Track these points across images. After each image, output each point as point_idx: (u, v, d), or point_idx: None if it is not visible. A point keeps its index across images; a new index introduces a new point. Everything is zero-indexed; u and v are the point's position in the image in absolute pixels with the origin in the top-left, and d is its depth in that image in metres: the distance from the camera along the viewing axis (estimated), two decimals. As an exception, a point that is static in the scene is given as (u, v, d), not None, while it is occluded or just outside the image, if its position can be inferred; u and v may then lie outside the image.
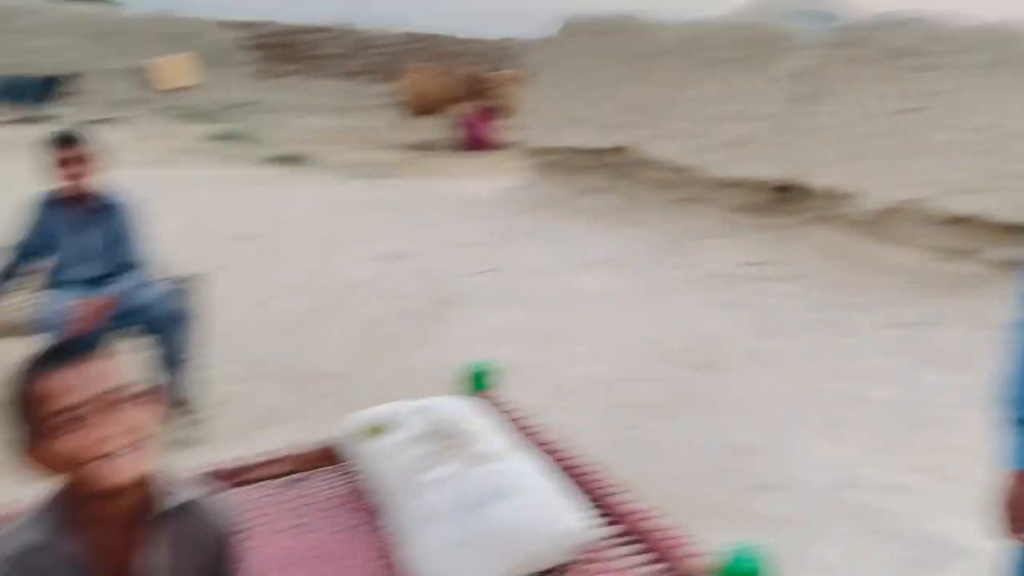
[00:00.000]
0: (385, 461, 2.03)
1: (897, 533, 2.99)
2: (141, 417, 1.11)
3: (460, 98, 16.45)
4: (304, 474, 2.23)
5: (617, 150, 8.93)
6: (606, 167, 9.12)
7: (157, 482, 1.18)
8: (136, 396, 1.12)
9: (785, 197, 7.29)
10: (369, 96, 21.38)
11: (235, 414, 3.86)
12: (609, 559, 1.79)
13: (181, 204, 8.60)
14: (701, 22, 8.19)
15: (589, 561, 1.78)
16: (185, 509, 1.21)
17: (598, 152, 9.15)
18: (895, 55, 6.33)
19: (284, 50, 21.54)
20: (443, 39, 23.51)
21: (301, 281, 6.16)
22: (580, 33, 9.30)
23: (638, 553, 1.80)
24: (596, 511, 1.91)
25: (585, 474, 2.04)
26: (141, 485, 1.14)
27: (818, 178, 6.81)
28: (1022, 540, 1.62)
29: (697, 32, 8.12)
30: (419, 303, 5.75)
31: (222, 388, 3.99)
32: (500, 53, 22.79)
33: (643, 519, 1.86)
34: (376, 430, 2.16)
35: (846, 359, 4.76)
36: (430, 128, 16.44)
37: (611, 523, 1.89)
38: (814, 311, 5.58)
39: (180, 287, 3.82)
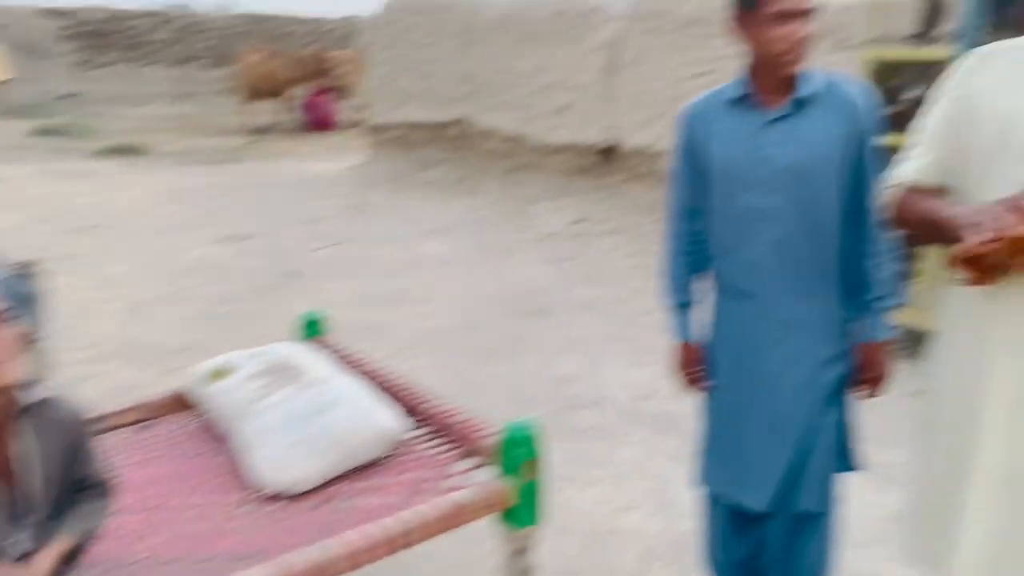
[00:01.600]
0: (226, 396, 2.35)
1: (683, 432, 3.57)
2: (9, 335, 1.41)
3: (300, 79, 16.32)
4: (156, 420, 2.52)
5: (453, 123, 9.34)
6: (444, 140, 9.52)
7: (22, 385, 1.49)
8: (4, 318, 1.42)
9: (607, 159, 7.91)
10: (204, 82, 20.78)
11: (88, 391, 4.01)
12: (418, 449, 2.21)
13: (16, 200, 8.34)
14: (521, -1, 8.67)
15: (403, 453, 2.19)
16: (45, 403, 1.52)
17: (436, 126, 9.53)
18: (689, 24, 7.03)
19: (107, 37, 20.54)
20: (282, 19, 23.02)
21: (146, 267, 6.23)
22: (408, 12, 9.61)
23: (442, 444, 2.23)
24: (409, 415, 2.32)
25: (401, 388, 2.44)
26: (11, 388, 1.45)
27: (631, 139, 7.46)
28: (701, 389, 2.17)
29: (518, 8, 8.59)
30: (265, 279, 5.97)
31: (72, 370, 4.12)
32: (341, 32, 22.62)
33: (447, 417, 2.28)
34: (218, 374, 2.47)
35: (655, 299, 5.38)
36: (271, 111, 16.26)
37: (421, 422, 2.30)
38: (630, 259, 6.21)
39: (22, 272, 3.91)
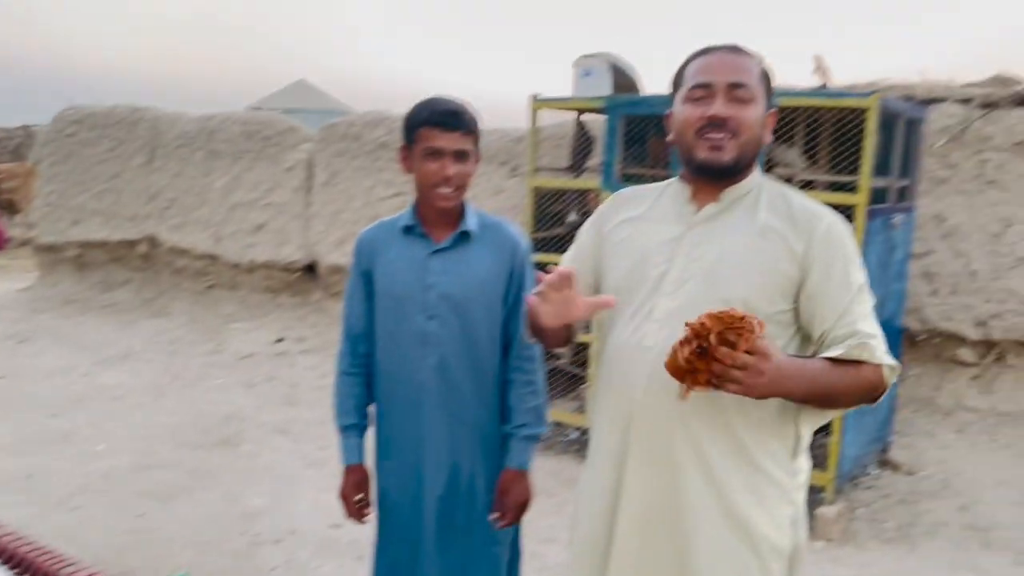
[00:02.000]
0: None
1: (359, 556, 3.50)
2: None
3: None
4: None
5: (140, 242, 8.78)
6: (129, 260, 8.89)
7: None
8: None
9: (305, 277, 7.85)
10: None
11: None
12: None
13: None
14: (214, 115, 8.51)
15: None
16: None
17: (119, 245, 8.89)
18: (380, 147, 7.32)
19: None
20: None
21: None
22: (85, 125, 9.02)
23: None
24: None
25: (32, 558, 2.14)
26: None
27: (329, 257, 7.49)
28: (360, 518, 2.17)
29: (208, 125, 8.41)
30: None
31: None
32: (16, 142, 20.54)
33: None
34: None
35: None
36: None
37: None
38: (329, 378, 6.09)
39: None
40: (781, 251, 1.52)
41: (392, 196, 7.21)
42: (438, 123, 1.93)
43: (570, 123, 5.42)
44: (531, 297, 1.53)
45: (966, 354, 5.27)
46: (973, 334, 5.20)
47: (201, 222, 8.39)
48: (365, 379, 2.15)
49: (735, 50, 1.59)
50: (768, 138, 1.61)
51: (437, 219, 2.03)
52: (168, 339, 7.37)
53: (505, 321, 2.07)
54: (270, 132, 8.07)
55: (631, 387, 1.56)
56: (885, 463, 4.52)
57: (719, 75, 1.53)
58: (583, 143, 4.91)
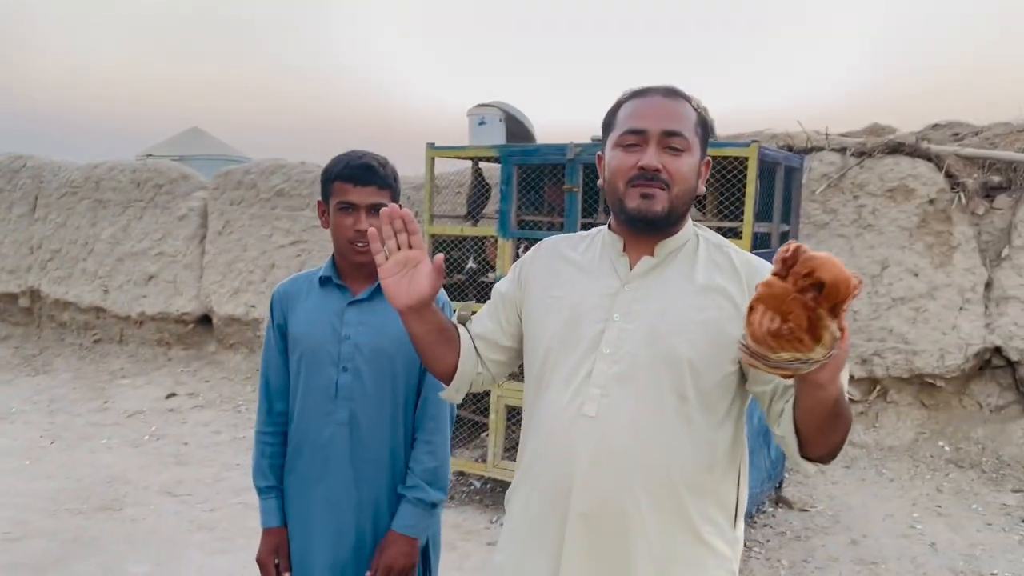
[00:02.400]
0: None
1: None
2: None
3: None
4: None
5: (21, 295, 8.31)
6: (8, 315, 8.40)
7: None
8: None
9: (199, 328, 7.58)
10: None
11: None
12: None
13: None
14: (101, 163, 8.21)
15: None
16: None
17: (0, 298, 8.41)
18: (277, 195, 7.19)
19: None
20: None
21: None
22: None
23: None
24: None
25: None
26: None
27: (224, 308, 7.26)
28: None
29: (94, 174, 8.11)
30: None
31: None
32: None
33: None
34: None
35: (246, 476, 5.12)
36: None
37: None
38: (223, 434, 5.89)
39: None
40: (726, 310, 1.43)
41: (290, 244, 7.07)
42: (351, 177, 1.90)
43: (469, 171, 5.46)
44: (374, 251, 1.48)
45: (851, 392, 5.48)
46: (857, 372, 5.42)
47: (87, 274, 8.03)
48: (283, 438, 2.06)
49: (671, 93, 1.50)
50: (702, 189, 1.53)
51: (355, 272, 1.99)
52: (49, 397, 6.96)
53: (420, 376, 2.01)
54: (161, 180, 7.83)
55: (569, 461, 1.43)
56: (779, 500, 4.62)
57: (653, 122, 1.44)
58: (480, 191, 4.93)
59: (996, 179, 5.38)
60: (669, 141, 1.44)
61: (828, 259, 1.06)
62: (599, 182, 1.56)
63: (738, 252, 1.53)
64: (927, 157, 5.44)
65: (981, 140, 5.76)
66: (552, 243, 1.65)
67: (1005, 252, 5.28)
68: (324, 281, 2.01)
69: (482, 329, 1.66)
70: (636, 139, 1.45)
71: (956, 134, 6.10)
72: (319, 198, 2.01)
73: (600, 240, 1.59)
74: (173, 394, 6.85)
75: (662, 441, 1.41)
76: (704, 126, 1.51)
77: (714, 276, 1.47)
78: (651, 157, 1.43)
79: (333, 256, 2.03)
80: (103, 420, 6.37)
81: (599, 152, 1.57)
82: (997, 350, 5.30)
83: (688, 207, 1.50)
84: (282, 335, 2.04)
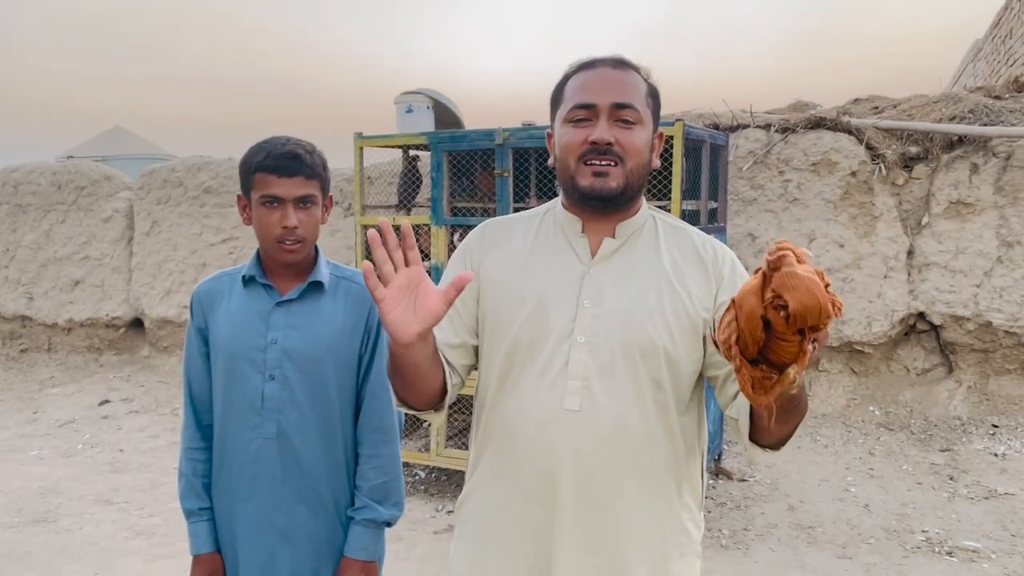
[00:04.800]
0: None
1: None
2: None
3: None
4: None
5: (-62, 307, 7.99)
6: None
7: None
8: None
9: (130, 332, 7.39)
10: None
11: None
12: None
13: None
14: (19, 167, 7.91)
15: None
16: None
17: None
18: (205, 192, 7.04)
19: None
20: None
21: None
22: None
23: None
24: None
25: None
26: None
27: (156, 310, 7.09)
28: None
29: (15, 178, 7.82)
30: None
31: None
32: None
33: None
34: None
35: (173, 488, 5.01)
36: None
37: None
38: (159, 439, 5.75)
39: None
40: (693, 295, 1.39)
41: (221, 242, 6.92)
42: (275, 168, 1.70)
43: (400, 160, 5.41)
44: (372, 287, 1.20)
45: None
46: (790, 343, 5.55)
47: (10, 281, 7.75)
48: (210, 454, 1.87)
49: (619, 64, 1.42)
50: (656, 163, 1.46)
51: (283, 270, 1.80)
52: (-25, 411, 6.71)
53: (359, 384, 1.84)
54: (83, 182, 7.58)
55: (552, 455, 1.37)
56: (719, 472, 4.72)
57: (602, 95, 1.37)
58: (411, 179, 4.90)
59: (914, 150, 5.55)
60: (620, 114, 1.37)
61: (803, 282, 0.93)
62: (549, 161, 1.49)
63: (699, 235, 1.49)
64: (848, 131, 5.58)
65: (899, 112, 5.94)
66: (497, 225, 1.55)
67: (925, 220, 5.46)
68: (248, 280, 1.82)
69: (448, 335, 1.49)
70: (585, 113, 1.38)
71: (876, 107, 6.27)
72: (239, 192, 1.83)
73: (552, 220, 1.50)
74: (106, 401, 6.67)
75: (646, 432, 1.38)
76: (655, 97, 1.45)
77: (678, 261, 1.43)
78: (602, 131, 1.36)
79: (258, 252, 1.84)
80: (33, 431, 6.17)
81: (548, 130, 1.50)
82: (921, 315, 5.49)
83: (643, 183, 1.44)
84: (204, 339, 1.86)
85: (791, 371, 1.00)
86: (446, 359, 1.46)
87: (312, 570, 1.81)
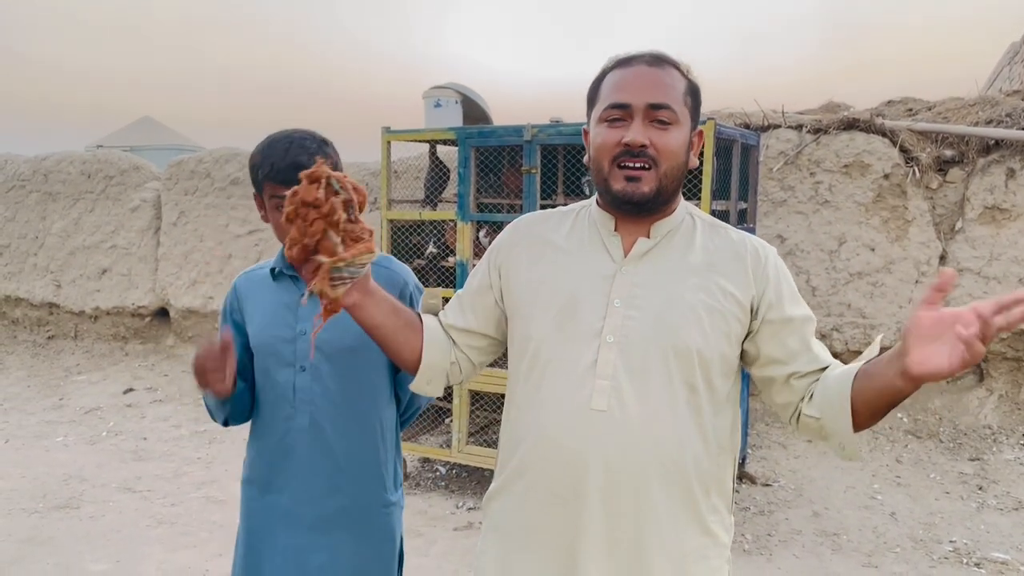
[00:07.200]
0: None
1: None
2: None
3: None
4: None
5: (-31, 292, 8.09)
6: (-43, 312, 8.17)
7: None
8: None
9: (156, 322, 7.44)
10: None
11: None
12: None
13: None
14: (49, 155, 7.99)
15: None
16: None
17: (-54, 297, 8.17)
18: (232, 183, 7.06)
19: None
20: None
21: None
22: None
23: None
24: None
25: None
26: None
27: (181, 300, 7.13)
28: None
29: (46, 166, 7.89)
30: None
31: None
32: None
33: None
34: None
35: (205, 471, 5.03)
36: None
37: None
38: (182, 428, 5.78)
39: None
40: (731, 293, 1.37)
41: (247, 234, 6.95)
42: (282, 181, 1.68)
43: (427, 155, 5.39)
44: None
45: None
46: (817, 347, 5.47)
47: (39, 269, 7.83)
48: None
49: (657, 61, 1.38)
50: (694, 162, 1.43)
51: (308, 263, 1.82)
52: (2, 396, 6.79)
53: (391, 375, 1.85)
54: (112, 171, 7.64)
55: (579, 455, 1.35)
56: (742, 476, 4.66)
57: (637, 94, 1.34)
58: (438, 175, 4.87)
59: (949, 153, 5.45)
60: (655, 114, 1.34)
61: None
62: (585, 159, 1.46)
63: (737, 233, 1.46)
64: (882, 133, 5.49)
65: (934, 115, 5.83)
66: (528, 223, 1.54)
67: (958, 225, 5.36)
68: (276, 273, 1.83)
69: (454, 319, 1.55)
70: (620, 113, 1.36)
71: (910, 110, 6.16)
72: (254, 191, 1.81)
73: (586, 218, 1.49)
74: (131, 389, 6.72)
75: (675, 434, 1.35)
76: (695, 94, 1.41)
77: (714, 260, 1.40)
78: (636, 132, 1.33)
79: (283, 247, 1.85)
80: (58, 418, 6.23)
81: (584, 126, 1.47)
82: (952, 322, 5.37)
83: (679, 183, 1.41)
84: (238, 329, 1.86)
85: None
86: (452, 339, 1.55)
87: (346, 561, 1.79)
